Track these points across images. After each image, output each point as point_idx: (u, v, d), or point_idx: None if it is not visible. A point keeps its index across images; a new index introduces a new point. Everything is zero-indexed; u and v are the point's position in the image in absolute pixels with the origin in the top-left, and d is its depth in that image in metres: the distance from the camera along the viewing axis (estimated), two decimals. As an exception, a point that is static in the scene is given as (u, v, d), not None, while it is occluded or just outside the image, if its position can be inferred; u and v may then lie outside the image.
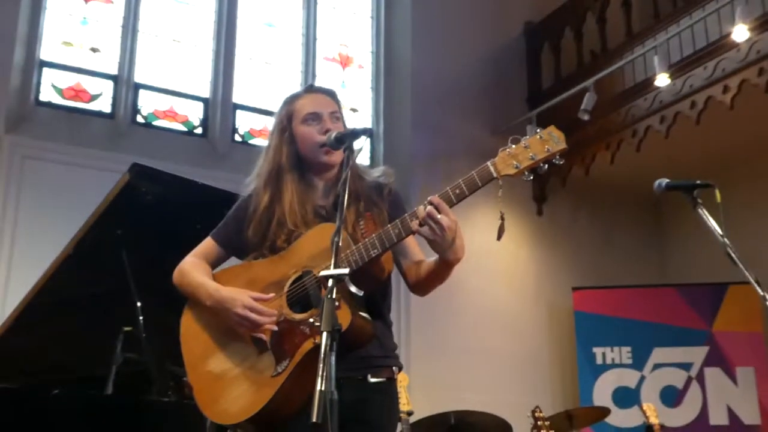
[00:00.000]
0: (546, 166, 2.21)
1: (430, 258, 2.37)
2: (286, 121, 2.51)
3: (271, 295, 2.32)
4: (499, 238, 2.26)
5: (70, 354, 3.54)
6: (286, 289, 2.33)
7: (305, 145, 2.47)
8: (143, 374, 3.32)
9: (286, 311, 2.30)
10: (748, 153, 7.30)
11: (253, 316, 2.28)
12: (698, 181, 2.63)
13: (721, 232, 2.50)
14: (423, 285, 2.44)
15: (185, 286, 2.49)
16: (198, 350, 2.43)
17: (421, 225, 2.18)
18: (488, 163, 2.22)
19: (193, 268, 2.50)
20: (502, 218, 2.22)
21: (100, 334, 3.37)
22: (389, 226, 2.24)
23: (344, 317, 2.11)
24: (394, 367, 2.41)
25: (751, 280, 2.40)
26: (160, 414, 3.09)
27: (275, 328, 2.28)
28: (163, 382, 3.32)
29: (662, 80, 6.41)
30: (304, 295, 2.30)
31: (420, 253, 2.46)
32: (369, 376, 2.32)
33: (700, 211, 2.57)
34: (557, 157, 2.20)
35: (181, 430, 3.09)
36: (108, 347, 3.36)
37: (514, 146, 2.22)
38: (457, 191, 2.22)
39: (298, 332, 2.25)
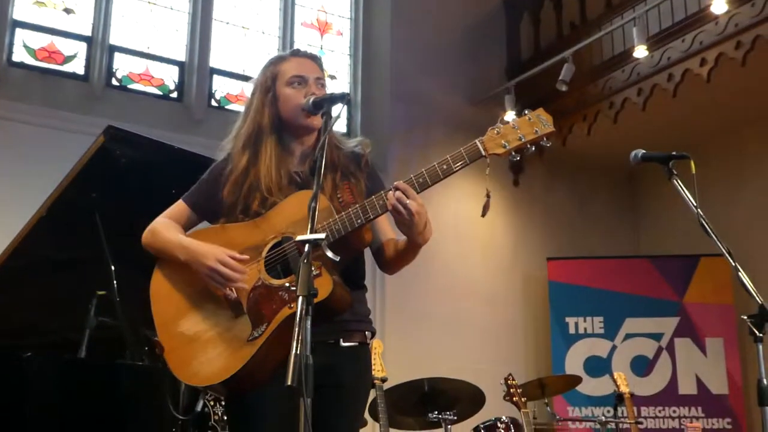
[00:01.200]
0: (533, 147, 2.26)
1: (400, 238, 2.38)
2: (271, 81, 2.49)
3: (246, 257, 2.30)
4: (483, 214, 2.28)
5: (43, 317, 3.52)
6: (264, 254, 2.32)
7: (287, 106, 2.44)
8: (117, 339, 3.30)
9: (264, 276, 2.29)
10: (725, 126, 7.36)
11: (225, 270, 2.26)
12: (674, 153, 2.65)
13: (695, 203, 2.52)
14: (393, 263, 2.46)
15: (157, 245, 2.45)
16: (169, 311, 2.39)
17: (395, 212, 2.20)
18: (477, 141, 2.24)
19: (165, 228, 2.46)
20: (488, 196, 2.25)
21: (74, 298, 3.34)
22: (374, 197, 2.25)
23: (325, 286, 2.13)
24: (366, 332, 2.42)
25: (723, 251, 2.42)
26: (134, 378, 3.08)
27: (245, 286, 2.27)
28: (136, 346, 3.31)
29: (640, 52, 6.43)
30: (283, 260, 2.29)
31: (392, 230, 2.47)
32: (341, 340, 2.33)
33: (674, 181, 2.59)
34: (544, 139, 2.24)
35: (155, 394, 3.08)
36: (81, 311, 3.33)
37: (502, 126, 2.25)
38: (444, 167, 2.24)
39: (277, 297, 2.24)
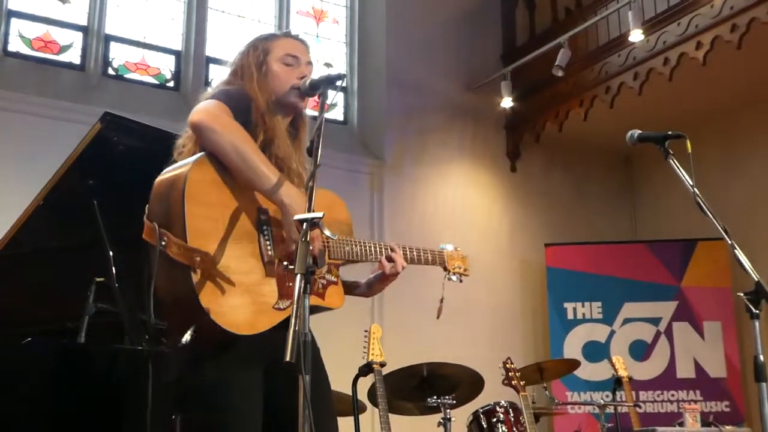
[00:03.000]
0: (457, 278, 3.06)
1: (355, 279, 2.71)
2: (263, 55, 2.49)
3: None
4: (438, 317, 2.93)
5: (41, 305, 3.51)
6: None
7: (278, 82, 2.46)
8: (116, 325, 3.31)
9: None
10: (721, 110, 7.37)
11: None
12: (670, 132, 2.65)
13: (691, 182, 2.52)
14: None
15: (246, 160, 2.20)
16: (208, 224, 2.18)
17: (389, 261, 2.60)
18: (444, 253, 2.90)
19: (254, 146, 2.24)
20: (442, 301, 2.88)
21: (72, 285, 3.34)
22: (376, 246, 2.58)
23: (341, 296, 2.41)
24: None
25: (720, 229, 2.43)
26: (134, 363, 3.09)
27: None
28: (136, 332, 3.31)
29: (636, 36, 6.43)
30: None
31: None
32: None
33: (671, 161, 2.60)
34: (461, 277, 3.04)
35: (155, 380, 3.08)
36: (80, 298, 3.33)
37: (456, 253, 2.98)
38: (429, 257, 2.84)
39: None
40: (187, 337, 2.94)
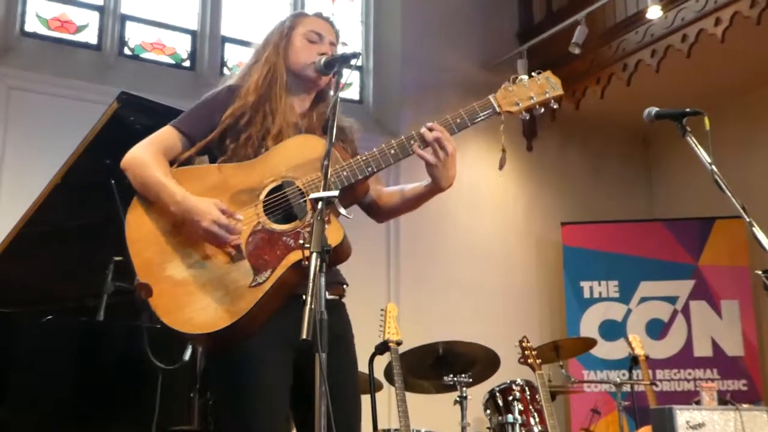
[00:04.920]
0: (542, 109, 2.38)
1: (409, 185, 2.45)
2: (288, 29, 2.51)
3: (240, 216, 2.25)
4: (501, 167, 2.42)
5: (60, 284, 3.56)
6: (262, 197, 2.29)
7: (298, 56, 2.47)
8: (132, 304, 3.33)
9: (264, 220, 2.26)
10: (739, 87, 7.29)
11: (222, 233, 2.19)
12: (687, 109, 2.63)
13: (709, 159, 2.51)
14: (395, 212, 2.54)
15: (144, 179, 2.31)
16: (153, 252, 2.26)
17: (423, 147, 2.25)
18: (490, 96, 2.33)
19: (156, 162, 2.32)
20: (504, 150, 2.40)
21: (91, 264, 3.37)
22: (383, 146, 2.28)
23: (337, 232, 2.16)
24: (344, 285, 2.44)
25: (738, 207, 2.42)
26: (150, 339, 3.11)
27: (240, 242, 2.23)
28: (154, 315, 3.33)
29: (654, 12, 6.37)
30: (285, 205, 2.27)
31: (378, 181, 2.54)
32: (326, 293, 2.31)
33: (688, 138, 2.58)
34: (553, 101, 2.37)
35: (169, 355, 3.11)
36: (99, 277, 3.36)
37: (513, 85, 2.35)
38: (458, 120, 2.32)
39: (280, 243, 2.22)
40: (186, 356, 2.97)
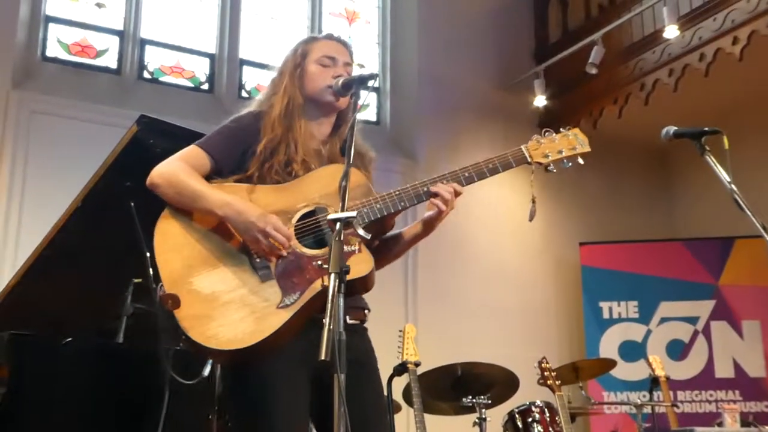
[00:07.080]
0: (570, 163, 2.52)
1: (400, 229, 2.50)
2: (301, 58, 2.53)
3: (289, 230, 2.26)
4: (531, 218, 2.56)
5: (80, 306, 3.56)
6: (294, 221, 2.30)
7: (314, 83, 2.48)
8: (152, 326, 3.34)
9: (296, 244, 2.27)
10: (757, 106, 7.26)
11: (279, 236, 2.20)
12: (706, 128, 2.62)
13: (728, 179, 2.49)
14: (392, 257, 2.56)
15: (179, 188, 2.30)
16: (180, 264, 2.25)
17: (434, 196, 2.33)
18: (522, 147, 2.47)
19: (189, 175, 2.32)
20: (534, 201, 2.54)
21: (110, 286, 3.39)
22: (409, 186, 2.34)
23: (367, 262, 2.19)
24: (366, 310, 2.45)
25: (758, 226, 2.40)
26: (168, 363, 3.12)
27: (285, 253, 2.24)
28: (173, 332, 3.34)
29: (671, 32, 6.36)
30: (317, 231, 2.29)
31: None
32: (347, 318, 2.27)
33: (707, 157, 2.56)
34: (579, 157, 2.52)
35: (190, 374, 3.12)
36: (118, 299, 3.38)
37: (544, 138, 2.49)
38: (491, 166, 2.45)
39: (310, 267, 2.23)
40: (206, 372, 2.97)
